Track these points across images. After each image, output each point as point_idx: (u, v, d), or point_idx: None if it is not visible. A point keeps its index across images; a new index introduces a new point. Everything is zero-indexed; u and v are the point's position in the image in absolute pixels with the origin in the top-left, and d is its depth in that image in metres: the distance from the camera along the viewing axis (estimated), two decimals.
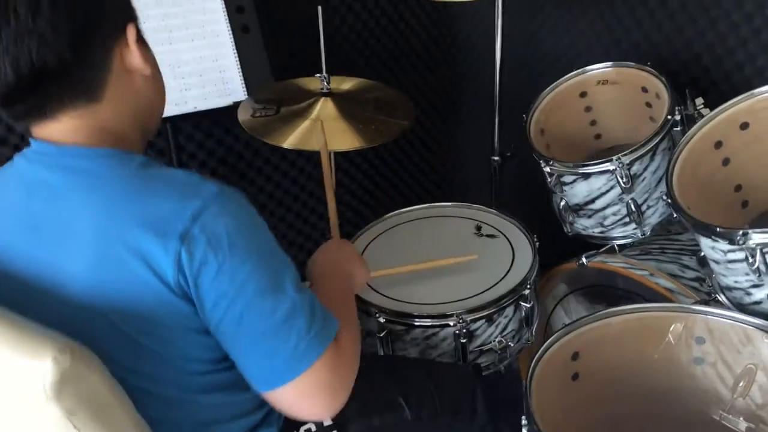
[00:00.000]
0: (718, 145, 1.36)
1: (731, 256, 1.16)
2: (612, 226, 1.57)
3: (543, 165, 1.55)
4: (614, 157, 1.43)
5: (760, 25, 1.57)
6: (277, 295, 0.88)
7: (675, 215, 1.26)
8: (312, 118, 1.59)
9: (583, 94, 1.70)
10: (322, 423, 1.11)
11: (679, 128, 1.44)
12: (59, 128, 0.89)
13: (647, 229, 1.54)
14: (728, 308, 1.23)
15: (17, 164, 0.93)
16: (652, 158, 1.45)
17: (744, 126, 1.35)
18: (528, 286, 1.43)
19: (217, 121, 2.05)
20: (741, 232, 1.10)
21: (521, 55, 2.11)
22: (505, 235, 1.60)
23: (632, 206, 1.49)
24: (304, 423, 1.10)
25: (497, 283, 1.44)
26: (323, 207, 1.91)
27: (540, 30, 2.11)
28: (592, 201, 1.53)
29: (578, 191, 1.54)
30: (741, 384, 1.19)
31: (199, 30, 1.71)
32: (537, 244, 1.54)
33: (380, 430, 1.12)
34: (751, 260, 1.11)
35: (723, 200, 1.39)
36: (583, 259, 1.58)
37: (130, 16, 0.94)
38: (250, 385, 0.93)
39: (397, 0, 2.24)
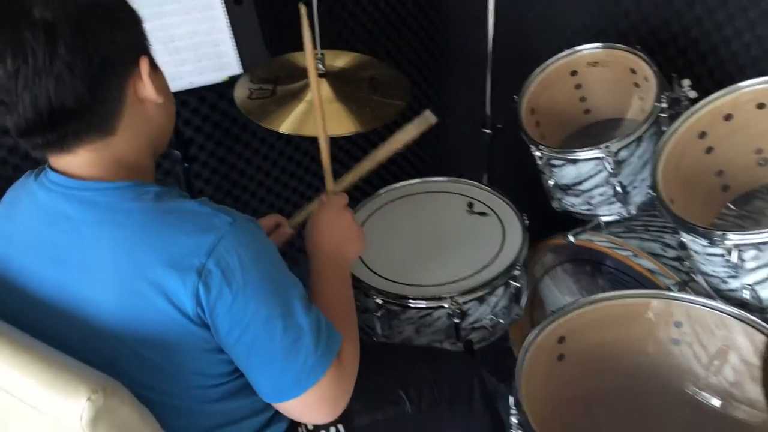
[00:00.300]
0: (702, 135, 1.40)
1: (710, 250, 1.22)
2: (599, 205, 1.61)
3: (533, 149, 1.59)
4: (602, 145, 1.47)
5: (755, 17, 1.60)
6: (287, 319, 0.94)
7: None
8: (308, 100, 1.61)
9: (573, 73, 1.73)
10: None
11: (666, 114, 1.47)
12: (76, 162, 0.92)
13: (632, 208, 1.60)
14: (706, 295, 1.29)
15: (32, 189, 0.95)
16: (638, 144, 1.49)
17: (728, 117, 1.39)
18: (518, 267, 1.49)
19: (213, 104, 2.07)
20: (719, 233, 1.16)
21: (513, 31, 2.10)
22: (496, 214, 1.64)
23: (618, 188, 1.54)
24: None
25: (489, 264, 1.50)
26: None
27: (533, 7, 2.11)
28: (580, 183, 1.57)
29: (567, 173, 1.58)
30: (715, 362, 1.27)
31: (191, 3, 1.67)
32: (527, 222, 1.59)
33: (383, 423, 1.19)
34: (728, 257, 1.18)
35: (705, 185, 1.45)
36: (570, 237, 1.63)
37: (144, 48, 0.95)
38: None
39: None
